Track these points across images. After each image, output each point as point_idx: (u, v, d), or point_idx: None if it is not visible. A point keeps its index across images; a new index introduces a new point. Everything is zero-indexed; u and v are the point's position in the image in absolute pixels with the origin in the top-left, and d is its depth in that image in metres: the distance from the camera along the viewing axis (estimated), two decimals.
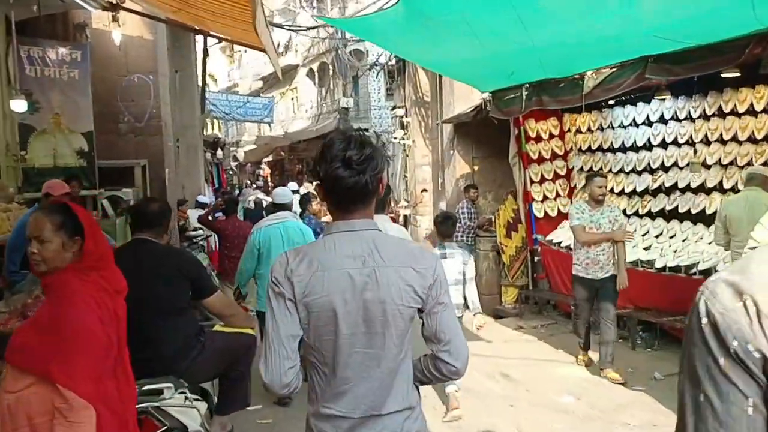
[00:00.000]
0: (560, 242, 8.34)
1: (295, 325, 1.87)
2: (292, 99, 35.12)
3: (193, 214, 11.76)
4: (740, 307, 0.88)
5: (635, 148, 7.81)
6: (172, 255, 3.60)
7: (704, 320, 0.91)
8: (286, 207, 5.94)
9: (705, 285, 0.95)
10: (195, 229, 11.09)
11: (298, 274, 1.86)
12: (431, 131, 13.51)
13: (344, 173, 1.82)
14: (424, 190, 13.48)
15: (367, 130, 12.15)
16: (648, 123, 7.57)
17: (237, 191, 19.20)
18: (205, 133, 16.90)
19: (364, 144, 1.86)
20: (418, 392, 2.05)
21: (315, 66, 30.14)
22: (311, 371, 1.93)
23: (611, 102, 7.91)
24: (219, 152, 15.88)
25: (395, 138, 15.47)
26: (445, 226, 5.31)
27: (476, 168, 10.33)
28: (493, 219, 9.35)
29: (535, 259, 8.74)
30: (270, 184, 36.42)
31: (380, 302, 1.85)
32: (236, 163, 33.98)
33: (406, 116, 14.74)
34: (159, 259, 3.42)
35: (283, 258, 1.93)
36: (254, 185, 29.98)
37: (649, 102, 7.42)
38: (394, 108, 15.59)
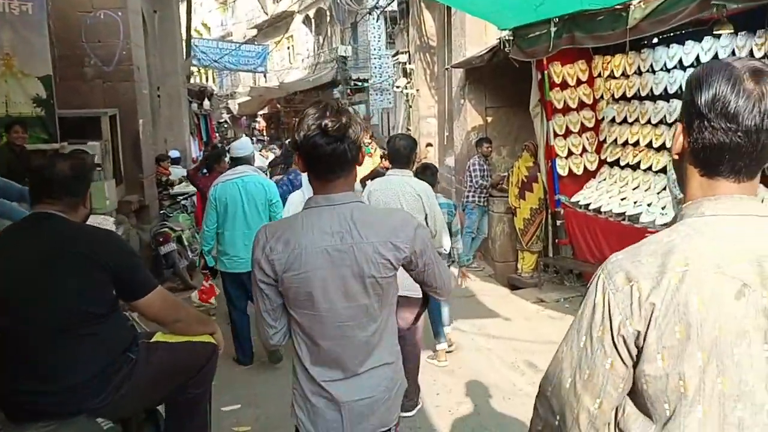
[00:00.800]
0: (588, 204, 7.33)
1: (273, 300, 2.01)
2: (288, 48, 33.59)
3: (177, 172, 10.75)
4: (628, 289, 1.16)
5: (680, 95, 6.73)
6: (84, 236, 2.40)
7: (599, 293, 1.20)
8: (246, 160, 5.46)
9: (605, 264, 1.23)
10: (174, 187, 10.11)
11: (277, 252, 1.93)
12: (437, 79, 12.38)
13: (321, 141, 1.86)
14: (429, 145, 12.41)
15: (366, 80, 12.58)
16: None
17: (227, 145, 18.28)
18: (193, 82, 15.73)
19: (340, 112, 1.89)
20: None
21: (311, 12, 28.63)
22: (294, 334, 2.05)
23: (654, 40, 6.78)
24: (206, 103, 14.68)
25: (397, 87, 14.32)
26: (423, 176, 4.76)
27: (489, 119, 9.26)
28: (507, 176, 8.34)
29: (558, 222, 7.76)
30: (265, 137, 35.29)
31: (359, 276, 1.93)
32: (230, 116, 32.62)
33: (410, 63, 13.58)
34: (63, 244, 2.33)
35: (261, 235, 1.99)
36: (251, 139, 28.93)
37: (700, 40, 6.30)
38: (396, 54, 14.39)
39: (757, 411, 1.10)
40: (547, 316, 6.75)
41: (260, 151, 15.30)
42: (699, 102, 1.17)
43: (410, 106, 13.78)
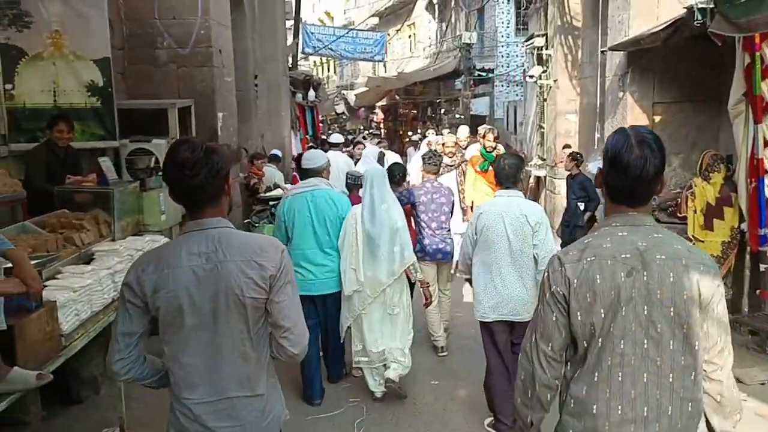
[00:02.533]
0: None
1: (134, 324, 2.13)
2: (409, 36, 31.96)
3: (271, 173, 9.33)
4: (560, 270, 1.92)
5: None
6: None
7: (546, 273, 1.97)
8: (316, 172, 5.02)
9: (553, 255, 2.00)
10: (269, 191, 8.68)
11: (148, 274, 2.09)
12: (581, 68, 10.23)
13: (179, 175, 2.06)
14: (567, 146, 10.28)
15: (491, 70, 10.11)
16: None
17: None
18: (298, 70, 14.43)
19: (195, 147, 2.07)
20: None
21: None
22: (168, 364, 2.16)
23: None
24: (311, 94, 13.26)
25: (530, 77, 12.24)
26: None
27: (657, 119, 7.10)
28: (684, 197, 6.20)
29: (762, 267, 5.56)
30: (383, 130, 33.66)
31: (224, 294, 2.09)
32: (344, 108, 31.26)
33: (547, 48, 11.47)
34: None
35: (138, 260, 2.18)
36: (365, 132, 27.37)
37: None
38: (529, 39, 12.30)
39: (637, 346, 1.86)
40: (751, 411, 4.59)
41: (377, 144, 13.70)
42: (606, 157, 1.94)
43: (545, 100, 11.69)
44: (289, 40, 14.13)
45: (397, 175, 5.92)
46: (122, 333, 2.14)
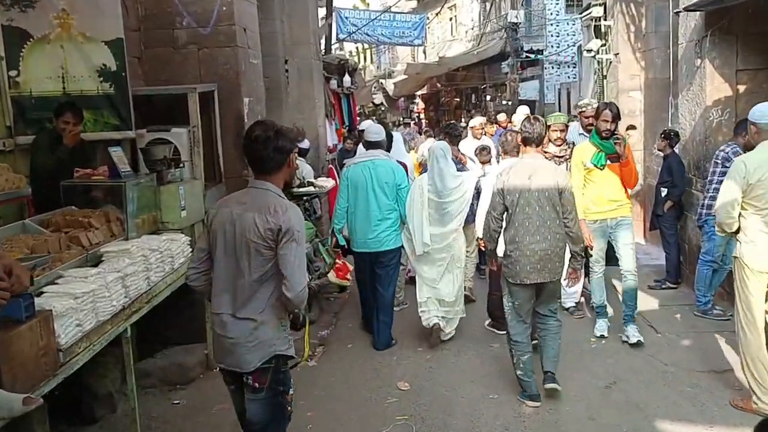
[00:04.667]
0: None
1: (205, 243, 3.13)
2: (450, 19, 31.23)
3: (304, 167, 8.84)
4: (500, 179, 4.66)
5: None
6: None
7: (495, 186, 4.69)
8: (379, 145, 6.08)
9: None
10: (302, 186, 8.22)
11: (213, 209, 3.11)
12: (645, 39, 9.57)
13: (252, 148, 2.97)
14: (632, 128, 9.62)
15: (540, 51, 10.76)
16: None
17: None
18: (333, 54, 13.98)
19: (267, 127, 2.98)
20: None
21: None
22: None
23: None
24: (347, 79, 12.73)
25: (588, 52, 11.55)
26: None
27: (742, 88, 6.45)
28: None
29: None
30: (423, 120, 32.79)
31: (240, 235, 2.94)
32: (382, 98, 30.56)
33: (605, 19, 10.80)
34: None
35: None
36: (404, 122, 26.74)
37: None
38: (586, 8, 11.61)
39: (540, 215, 4.51)
40: None
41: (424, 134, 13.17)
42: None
43: (604, 77, 11.00)
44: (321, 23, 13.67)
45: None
46: (199, 248, 3.17)
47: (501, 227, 4.64)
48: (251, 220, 2.88)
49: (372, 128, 6.35)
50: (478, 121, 10.11)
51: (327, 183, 8.67)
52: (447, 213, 5.80)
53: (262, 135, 2.91)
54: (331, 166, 10.55)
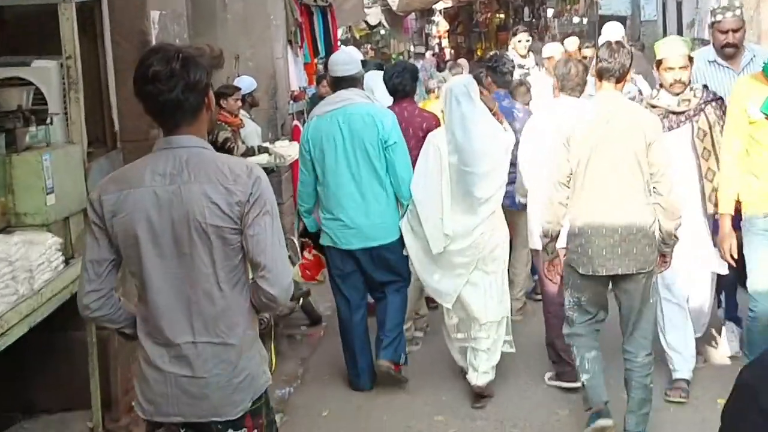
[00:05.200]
0: None
1: (102, 250, 2.12)
2: None
3: (249, 124, 6.57)
4: (564, 125, 3.75)
5: None
6: None
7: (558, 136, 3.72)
8: (352, 81, 4.44)
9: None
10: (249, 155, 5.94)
11: (108, 194, 2.09)
12: None
13: (152, 90, 2.03)
14: None
15: None
16: None
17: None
18: None
19: (170, 59, 2.02)
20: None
21: None
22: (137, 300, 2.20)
23: None
24: None
25: None
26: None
27: None
28: None
29: None
30: (447, 50, 23.52)
31: (185, 220, 2.05)
32: (382, 16, 19.20)
33: None
34: None
35: (104, 179, 2.25)
36: (416, 52, 19.93)
37: None
38: None
39: (622, 179, 3.45)
40: None
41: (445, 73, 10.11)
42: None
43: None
44: None
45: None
46: (91, 261, 2.17)
47: (567, 198, 3.56)
48: (201, 195, 2.04)
49: (339, 57, 4.83)
50: (568, 45, 8.09)
51: (290, 149, 6.40)
52: (473, 191, 4.16)
53: (164, 70, 2.03)
54: (296, 122, 7.97)
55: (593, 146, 3.49)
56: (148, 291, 2.10)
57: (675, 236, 3.55)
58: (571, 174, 3.53)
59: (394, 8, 18.91)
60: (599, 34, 9.17)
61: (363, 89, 4.59)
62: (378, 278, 4.46)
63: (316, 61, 9.76)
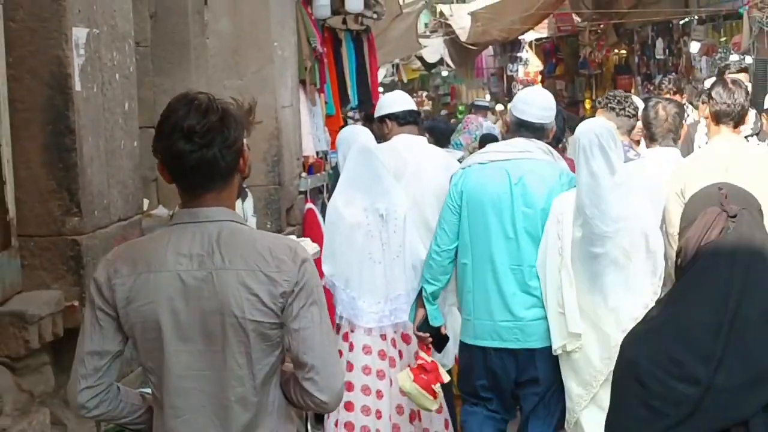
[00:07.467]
0: None
1: (106, 341, 1.87)
2: None
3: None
4: (674, 174, 3.70)
5: None
6: None
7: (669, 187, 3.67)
8: (533, 129, 3.69)
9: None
10: None
11: (121, 276, 1.83)
12: None
13: (184, 147, 1.76)
14: None
15: None
16: None
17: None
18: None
19: (208, 110, 1.77)
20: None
21: None
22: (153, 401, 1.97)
23: None
24: (355, 3, 6.70)
25: None
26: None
27: None
28: None
29: None
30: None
31: (219, 313, 1.81)
32: (444, 49, 15.21)
33: None
34: None
35: (112, 253, 1.94)
36: (487, 106, 12.72)
37: None
38: None
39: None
40: None
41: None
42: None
43: None
44: None
45: None
46: (91, 352, 1.87)
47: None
48: (238, 285, 1.77)
49: (538, 98, 3.92)
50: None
51: (306, 247, 4.18)
52: (612, 266, 3.41)
53: (200, 123, 1.73)
54: (309, 203, 5.82)
55: None
56: (166, 393, 1.83)
57: None
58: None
59: (463, 38, 13.91)
60: None
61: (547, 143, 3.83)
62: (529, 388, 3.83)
63: (345, 112, 7.17)
